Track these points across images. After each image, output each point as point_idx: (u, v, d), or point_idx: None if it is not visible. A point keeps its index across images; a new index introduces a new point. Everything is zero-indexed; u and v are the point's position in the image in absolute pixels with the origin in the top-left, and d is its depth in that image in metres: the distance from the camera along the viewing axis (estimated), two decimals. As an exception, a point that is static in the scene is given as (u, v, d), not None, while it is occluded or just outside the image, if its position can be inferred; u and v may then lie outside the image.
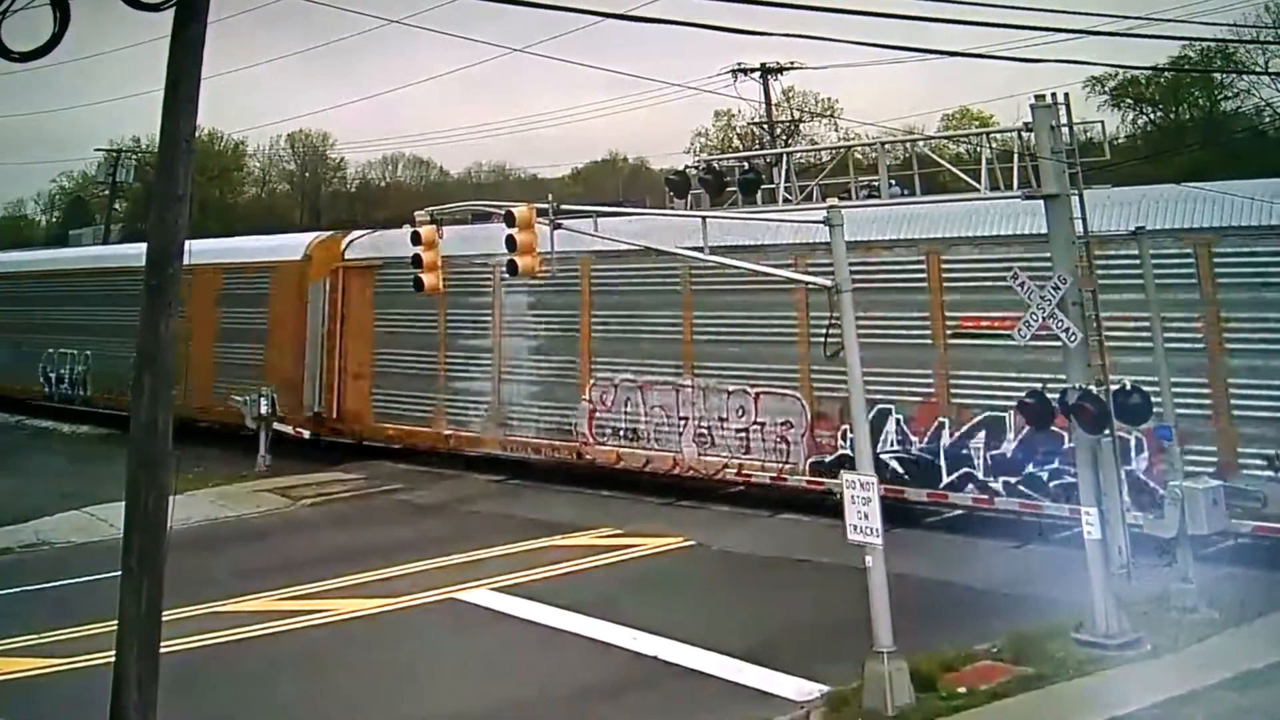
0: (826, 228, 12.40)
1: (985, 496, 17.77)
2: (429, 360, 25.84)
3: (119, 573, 8.30)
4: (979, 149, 14.43)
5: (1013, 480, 17.38)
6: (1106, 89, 55.68)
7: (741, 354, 20.68)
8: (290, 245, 29.75)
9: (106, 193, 68.78)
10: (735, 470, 20.60)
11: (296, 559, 18.22)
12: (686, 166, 16.86)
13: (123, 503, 8.36)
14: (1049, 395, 13.05)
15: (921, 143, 16.40)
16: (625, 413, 22.20)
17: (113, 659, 8.23)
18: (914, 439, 18.49)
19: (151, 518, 8.23)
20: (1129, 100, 57.30)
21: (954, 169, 15.27)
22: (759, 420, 20.31)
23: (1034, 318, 12.77)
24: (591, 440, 22.76)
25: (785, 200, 15.47)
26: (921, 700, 11.05)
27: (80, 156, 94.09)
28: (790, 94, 56.13)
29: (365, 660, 13.46)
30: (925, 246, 18.27)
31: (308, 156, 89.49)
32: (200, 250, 38.77)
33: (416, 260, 15.26)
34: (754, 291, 19.88)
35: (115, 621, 8.27)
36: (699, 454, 21.05)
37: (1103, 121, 15.93)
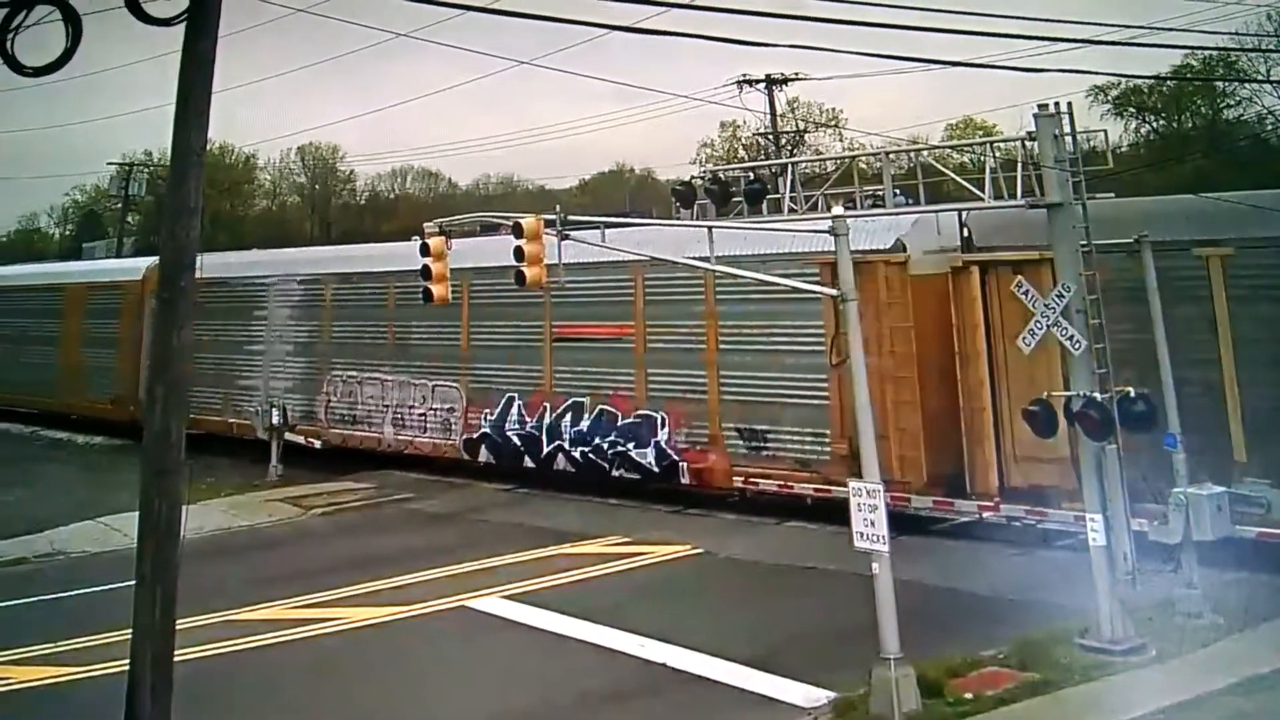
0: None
1: (569, 465, 23.19)
2: (222, 362, 30.72)
3: (133, 582, 8.40)
4: (983, 158, 14.52)
5: (586, 449, 22.75)
6: (1109, 98, 55.70)
7: (424, 353, 26.22)
8: (133, 268, 35.55)
9: (119, 206, 69.19)
10: (413, 446, 26.25)
11: (309, 568, 18.33)
12: (693, 177, 16.99)
13: (136, 512, 8.47)
14: (1053, 403, 13.11)
15: (926, 152, 16.50)
16: (348, 402, 27.80)
17: (127, 667, 8.33)
18: (528, 419, 23.81)
19: (165, 527, 8.34)
20: (1131, 109, 57.26)
21: (958, 178, 15.37)
22: (433, 406, 25.84)
23: (1038, 326, 12.84)
24: (326, 424, 28.01)
25: (791, 210, 15.58)
26: (928, 706, 11.10)
27: (93, 170, 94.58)
28: (795, 104, 56.30)
29: (377, 668, 13.54)
30: None
31: (318, 169, 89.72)
32: (70, 271, 42.60)
33: (426, 272, 15.36)
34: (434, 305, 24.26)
35: (129, 630, 8.38)
36: (394, 434, 26.54)
37: (1105, 130, 16.14)
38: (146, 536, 8.36)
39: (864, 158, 16.69)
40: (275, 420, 27.07)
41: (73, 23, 8.61)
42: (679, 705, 12.24)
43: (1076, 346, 12.67)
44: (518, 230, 14.13)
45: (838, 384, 18.42)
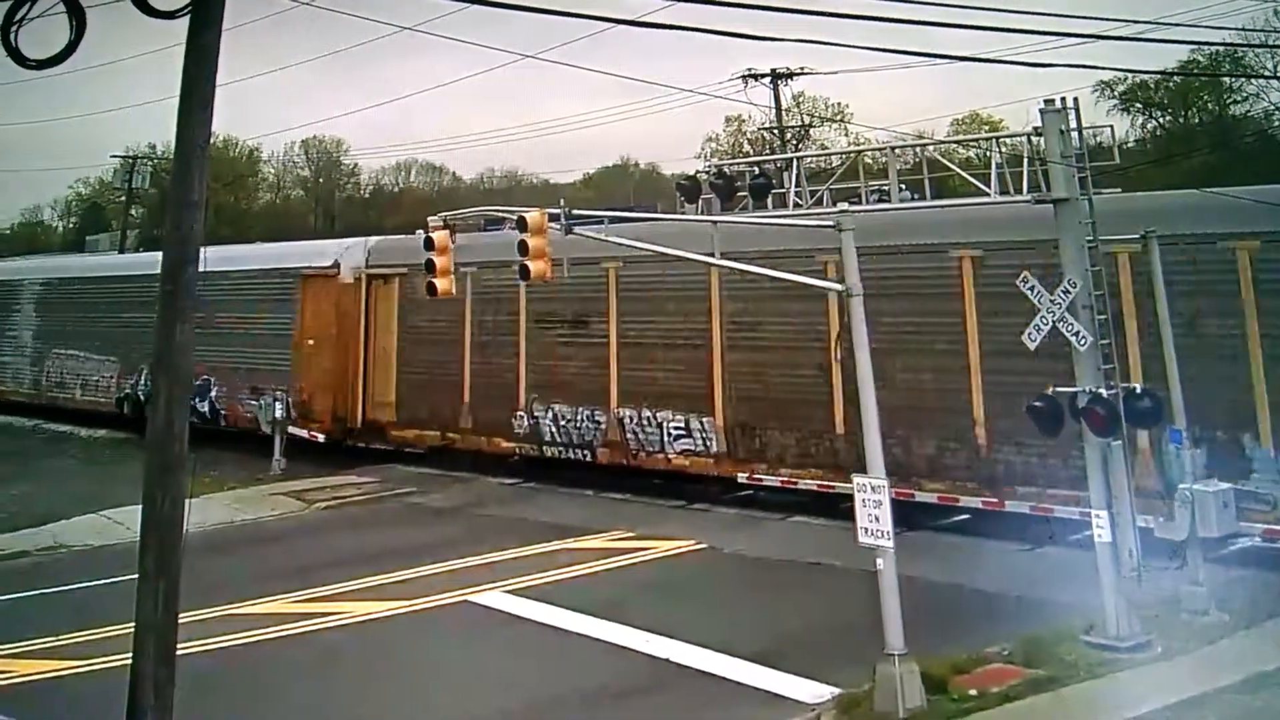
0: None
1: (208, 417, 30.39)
2: None
3: (135, 576, 8.38)
4: (989, 153, 14.49)
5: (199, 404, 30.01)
6: (1116, 93, 55.56)
7: (101, 337, 34.56)
8: None
9: (123, 199, 69.18)
10: (91, 403, 34.93)
11: (311, 562, 18.31)
12: (698, 171, 16.99)
13: (139, 506, 8.44)
14: (1060, 399, 13.06)
15: (931, 147, 16.46)
16: (59, 374, 36.41)
17: (129, 661, 8.31)
18: (144, 380, 31.39)
19: (168, 520, 8.31)
20: (1138, 104, 57.11)
21: (964, 173, 15.34)
22: (103, 375, 34.34)
23: (1044, 321, 12.79)
24: (46, 390, 36.93)
25: (796, 205, 15.54)
26: (933, 703, 11.07)
27: (97, 163, 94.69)
28: (800, 99, 56.12)
29: (380, 662, 13.53)
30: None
31: (322, 163, 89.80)
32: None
33: (430, 265, 15.29)
34: (117, 303, 34.08)
35: (132, 624, 8.35)
36: (81, 396, 35.15)
37: (1112, 126, 16.07)
38: (149, 530, 8.33)
39: (869, 153, 16.66)
40: (278, 414, 27.07)
41: (77, 15, 8.57)
42: (683, 701, 12.22)
43: (1082, 342, 12.62)
44: (521, 224, 14.07)
45: (301, 359, 28.02)
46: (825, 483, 19.46)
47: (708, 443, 21.34)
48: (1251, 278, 15.60)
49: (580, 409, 23.31)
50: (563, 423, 23.61)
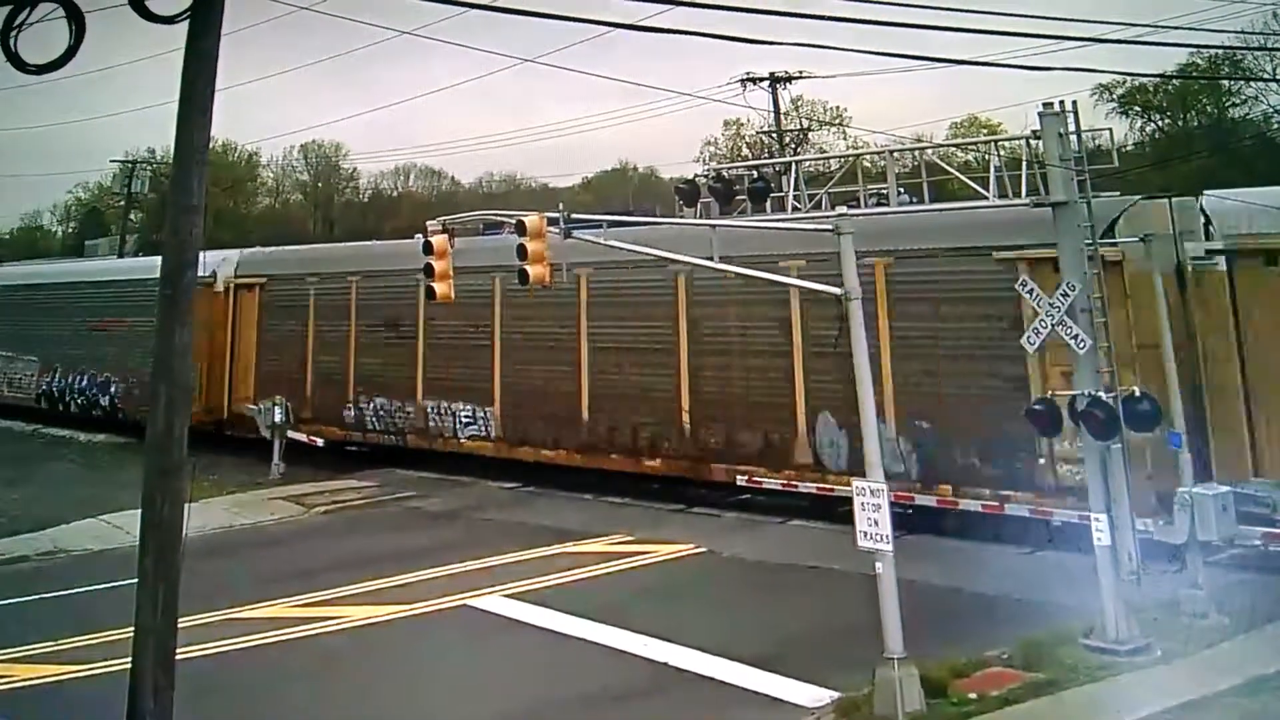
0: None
1: (75, 408, 35.74)
2: None
3: (135, 580, 8.39)
4: (987, 157, 14.51)
5: (82, 398, 35.64)
6: (1114, 96, 55.51)
7: (29, 339, 38.29)
8: None
9: (122, 204, 69.25)
10: (14, 399, 38.95)
11: (311, 566, 18.33)
12: (696, 175, 16.94)
13: (139, 510, 8.45)
14: (1058, 403, 13.08)
15: (930, 151, 16.49)
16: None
17: (129, 666, 8.32)
18: (62, 380, 36.28)
19: (167, 525, 8.32)
20: (1137, 107, 57.04)
21: (963, 177, 15.35)
22: (25, 373, 38.22)
23: (1042, 325, 12.81)
24: None
25: (795, 208, 15.55)
26: (932, 706, 11.08)
27: (96, 168, 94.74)
28: (799, 103, 56.09)
29: (380, 666, 13.54)
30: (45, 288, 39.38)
31: (320, 167, 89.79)
32: None
33: (429, 270, 15.31)
34: (37, 309, 38.65)
35: (131, 628, 8.37)
36: (9, 392, 38.88)
37: (1110, 129, 16.05)
38: (149, 535, 8.34)
39: (868, 156, 16.67)
40: (278, 418, 27.09)
41: (76, 20, 8.58)
42: (682, 705, 12.22)
43: (1081, 345, 12.62)
44: (520, 228, 14.07)
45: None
46: (575, 463, 23.24)
47: (488, 429, 25.03)
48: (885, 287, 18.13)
49: (394, 401, 27.10)
50: (381, 413, 27.44)
